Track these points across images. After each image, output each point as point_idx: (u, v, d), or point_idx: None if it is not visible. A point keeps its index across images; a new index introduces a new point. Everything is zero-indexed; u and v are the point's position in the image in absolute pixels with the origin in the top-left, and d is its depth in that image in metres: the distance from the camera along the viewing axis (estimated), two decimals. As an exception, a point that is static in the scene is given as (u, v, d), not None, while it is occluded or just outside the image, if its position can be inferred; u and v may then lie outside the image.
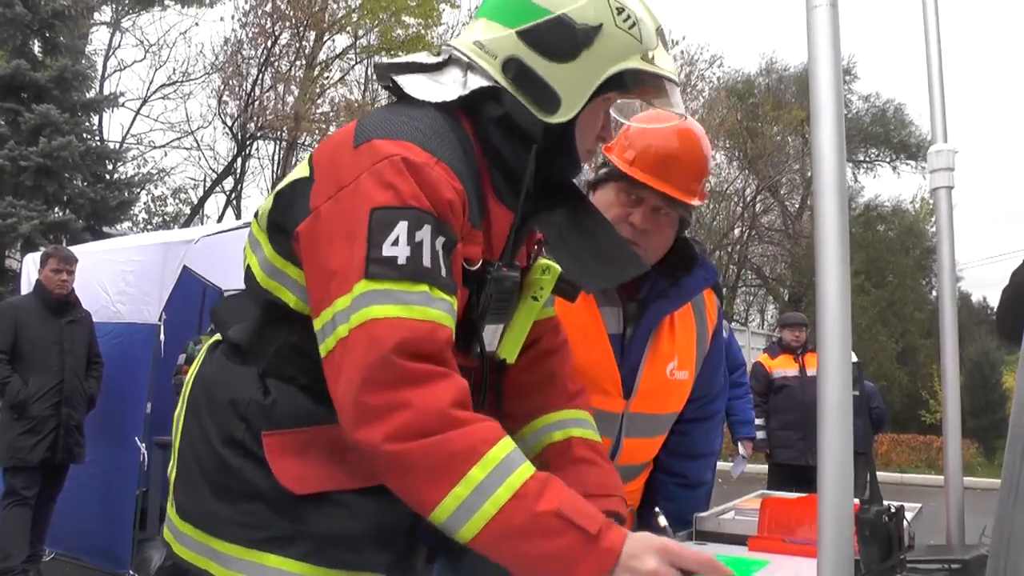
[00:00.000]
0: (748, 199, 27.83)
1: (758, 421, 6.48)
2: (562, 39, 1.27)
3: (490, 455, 1.11)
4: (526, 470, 1.13)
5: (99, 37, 19.93)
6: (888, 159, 30.80)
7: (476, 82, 1.31)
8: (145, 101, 20.37)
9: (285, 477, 1.26)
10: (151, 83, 20.68)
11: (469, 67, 1.33)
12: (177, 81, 20.68)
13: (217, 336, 1.43)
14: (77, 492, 5.70)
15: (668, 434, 1.96)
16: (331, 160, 1.25)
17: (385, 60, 1.40)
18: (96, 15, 19.24)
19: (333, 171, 1.23)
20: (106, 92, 16.51)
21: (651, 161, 1.74)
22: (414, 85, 1.33)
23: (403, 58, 1.39)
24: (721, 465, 6.48)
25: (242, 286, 1.44)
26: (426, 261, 1.15)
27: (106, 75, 19.47)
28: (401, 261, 1.14)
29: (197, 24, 30.22)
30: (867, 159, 30.93)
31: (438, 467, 1.10)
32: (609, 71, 1.28)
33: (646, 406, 1.83)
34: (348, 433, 1.13)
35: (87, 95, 12.57)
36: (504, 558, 1.13)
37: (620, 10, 1.29)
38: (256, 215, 1.40)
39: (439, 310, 1.15)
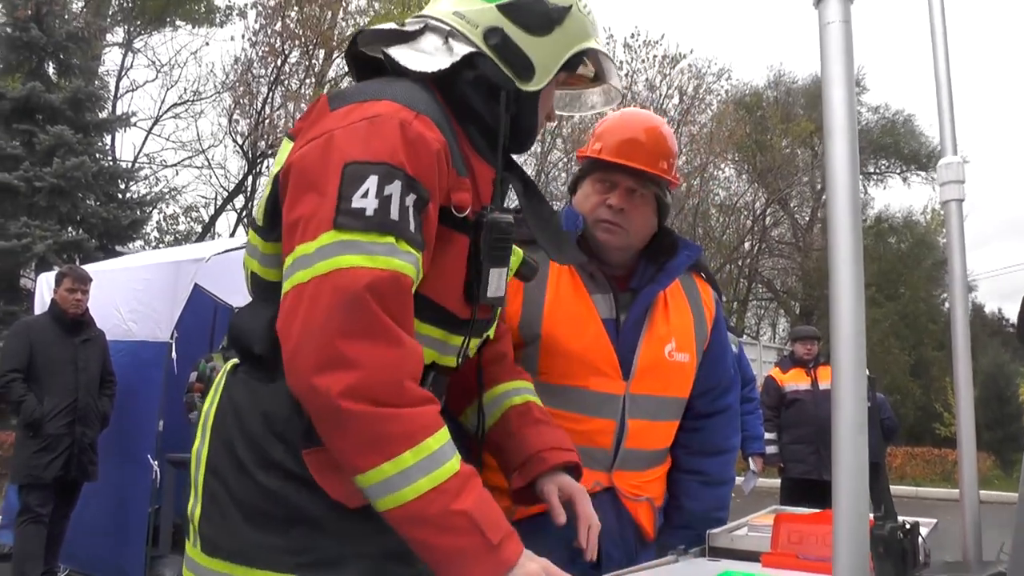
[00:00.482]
0: (758, 212, 27.79)
1: (770, 436, 6.44)
2: (538, 15, 1.40)
3: (425, 443, 1.15)
4: (452, 466, 1.17)
5: (111, 58, 20.12)
6: (898, 170, 30.73)
7: (462, 49, 1.38)
8: (157, 120, 20.52)
9: (336, 492, 1.25)
10: (163, 103, 20.75)
11: (450, 35, 1.40)
12: (188, 100, 20.84)
13: (233, 361, 1.41)
14: (90, 509, 5.71)
15: (683, 431, 1.99)
16: (308, 124, 1.31)
17: (369, 28, 1.47)
18: (108, 36, 19.44)
19: (309, 132, 1.28)
20: (118, 112, 16.64)
21: (616, 144, 1.88)
22: (405, 56, 1.39)
23: (383, 26, 1.44)
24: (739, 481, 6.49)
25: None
26: (393, 214, 1.19)
27: (118, 95, 19.62)
28: (369, 213, 1.17)
29: (208, 44, 30.61)
30: (877, 171, 30.86)
31: (376, 440, 1.14)
32: (575, 48, 1.44)
33: (647, 387, 1.87)
34: (300, 377, 1.15)
35: (100, 115, 12.68)
36: (408, 538, 1.18)
37: None
38: (252, 222, 1.42)
39: (404, 261, 1.19)
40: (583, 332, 1.81)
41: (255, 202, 1.49)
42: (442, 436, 1.18)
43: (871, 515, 1.13)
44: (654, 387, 1.88)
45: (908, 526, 1.34)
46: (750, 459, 5.73)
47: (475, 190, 1.38)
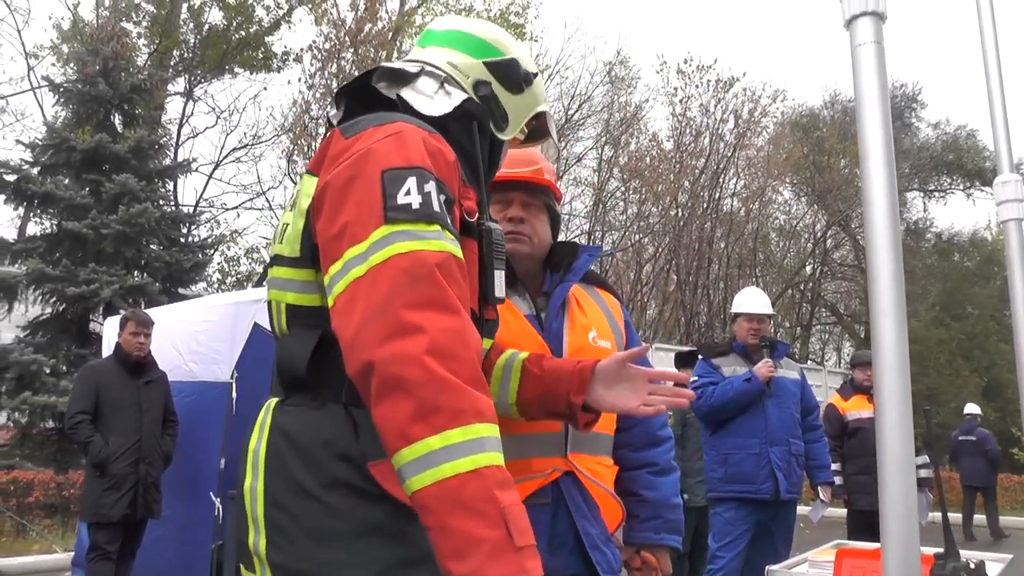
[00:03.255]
0: (818, 235, 27.33)
1: (835, 466, 6.27)
2: (516, 76, 1.64)
3: (476, 427, 1.16)
4: (496, 458, 1.16)
5: (173, 107, 20.83)
6: (961, 186, 30.01)
7: (458, 95, 1.55)
8: (217, 165, 21.14)
9: (405, 496, 1.25)
10: (223, 147, 21.41)
11: (445, 81, 1.57)
12: (248, 144, 21.43)
13: (275, 399, 1.45)
14: (155, 546, 5.80)
15: (622, 432, 2.11)
16: (327, 155, 1.39)
17: (387, 64, 1.59)
18: (170, 86, 20.13)
19: (332, 161, 1.36)
20: (180, 159, 17.17)
21: (506, 166, 1.98)
22: (414, 99, 1.53)
23: (391, 64, 1.58)
24: (801, 510, 6.30)
25: None
26: (435, 206, 1.29)
27: (180, 142, 20.27)
28: (415, 206, 1.26)
29: (266, 88, 31.35)
30: (938, 188, 30.17)
31: (432, 409, 1.14)
32: (537, 108, 1.69)
33: None
34: (365, 351, 1.18)
35: (162, 163, 13.07)
36: (432, 524, 1.14)
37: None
38: (275, 260, 1.48)
39: (453, 245, 1.29)
40: (510, 325, 1.89)
41: (275, 243, 1.57)
42: (493, 430, 1.19)
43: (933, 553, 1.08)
44: None
45: (973, 565, 1.27)
46: (819, 488, 5.58)
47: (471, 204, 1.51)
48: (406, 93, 1.53)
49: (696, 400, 4.84)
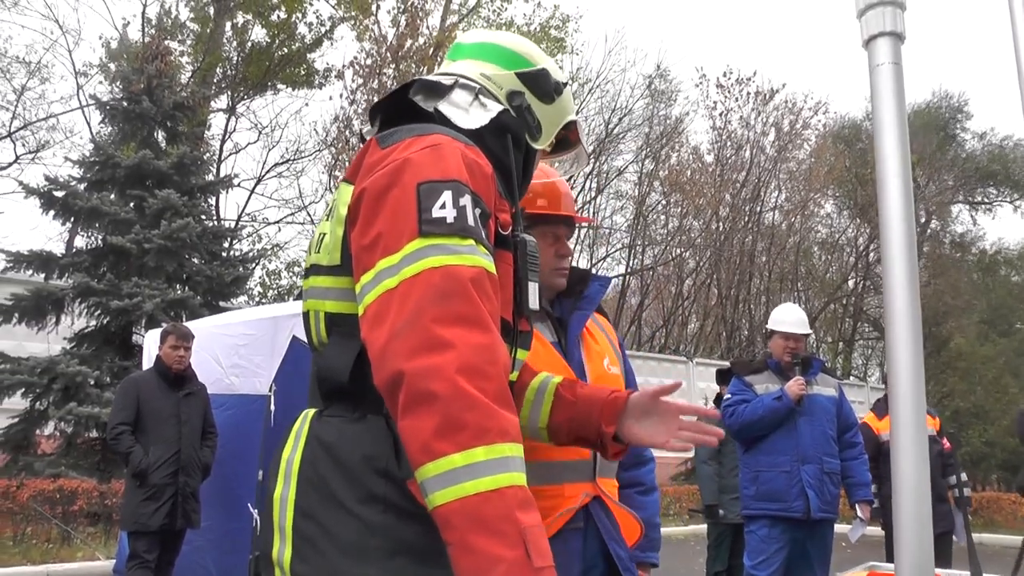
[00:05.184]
0: (861, 248, 26.96)
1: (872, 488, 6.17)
2: (547, 86, 1.67)
3: (500, 446, 1.14)
4: (518, 479, 1.15)
5: (216, 123, 21.20)
6: (1009, 198, 29.41)
7: (494, 107, 1.56)
8: (259, 180, 21.47)
9: None
10: (265, 162, 21.75)
11: (480, 93, 1.58)
12: (289, 159, 21.73)
13: (314, 409, 1.45)
14: (193, 556, 5.90)
15: None
16: (363, 164, 1.40)
17: (426, 77, 1.59)
18: (213, 103, 20.49)
19: (369, 169, 1.37)
20: (222, 174, 17.45)
21: (560, 199, 2.16)
22: (450, 112, 1.53)
23: (430, 77, 1.60)
24: (840, 528, 6.18)
25: None
26: (470, 220, 1.28)
27: (223, 158, 20.63)
28: (450, 220, 1.26)
29: (307, 104, 31.73)
30: (985, 199, 29.60)
31: (456, 425, 1.13)
32: (568, 117, 1.71)
33: None
34: (394, 362, 1.17)
35: (205, 178, 13.29)
36: (452, 540, 1.13)
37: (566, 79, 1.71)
38: (313, 269, 1.48)
39: (486, 259, 1.28)
40: (537, 353, 1.90)
41: (311, 253, 1.58)
42: (517, 449, 1.17)
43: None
44: None
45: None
46: (857, 507, 5.49)
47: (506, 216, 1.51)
48: (442, 106, 1.54)
49: (728, 418, 4.85)
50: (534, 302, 1.54)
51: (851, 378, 26.23)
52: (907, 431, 0.87)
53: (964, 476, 6.50)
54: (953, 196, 29.00)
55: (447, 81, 1.58)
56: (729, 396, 4.98)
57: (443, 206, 1.26)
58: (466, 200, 1.29)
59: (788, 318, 5.07)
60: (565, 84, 1.71)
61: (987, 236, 29.83)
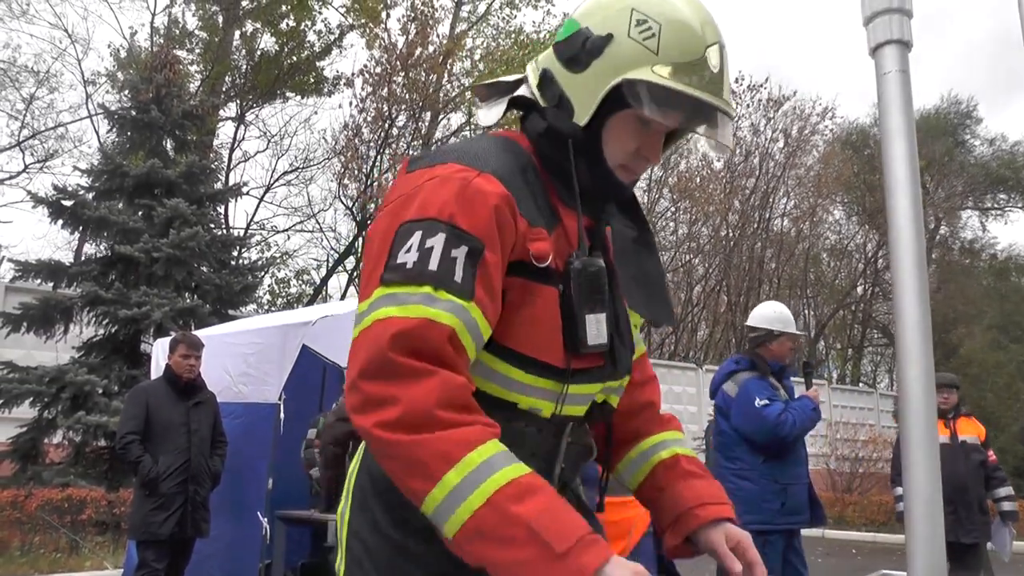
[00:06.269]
0: (870, 255, 26.90)
1: (898, 491, 6.11)
2: (576, 50, 1.34)
3: (467, 459, 1.14)
4: (503, 476, 1.14)
5: (225, 131, 21.31)
6: (1020, 204, 29.30)
7: (523, 92, 1.43)
8: (268, 188, 21.55)
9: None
10: (274, 171, 21.87)
11: (526, 82, 1.44)
12: (299, 167, 21.81)
13: None
14: (203, 565, 5.90)
15: None
16: (391, 186, 1.38)
17: (481, 84, 1.51)
18: (222, 112, 20.58)
19: (387, 196, 1.35)
20: (231, 182, 17.53)
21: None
22: (482, 113, 1.46)
23: (492, 80, 1.50)
24: (859, 536, 6.15)
25: None
26: (432, 265, 1.21)
27: (231, 166, 20.71)
28: (408, 266, 1.22)
29: (316, 112, 31.86)
30: (995, 205, 29.49)
31: (418, 465, 1.15)
32: (614, 80, 1.30)
33: None
34: (352, 419, 1.20)
35: (213, 187, 13.33)
36: (477, 562, 1.15)
37: (641, 21, 1.30)
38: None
39: (439, 309, 1.20)
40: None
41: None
42: (488, 449, 1.16)
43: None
44: None
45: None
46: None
47: (566, 241, 1.37)
48: (479, 112, 1.48)
49: (781, 428, 4.42)
50: (597, 336, 1.35)
51: (860, 385, 26.12)
52: (918, 438, 0.86)
53: (1011, 490, 6.37)
54: (962, 202, 28.91)
55: (520, 75, 1.47)
56: (768, 402, 4.50)
57: (408, 249, 1.23)
58: (435, 240, 1.23)
59: (789, 318, 4.88)
60: (606, 38, 1.31)
61: (999, 242, 29.66)
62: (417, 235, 1.23)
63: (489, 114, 1.44)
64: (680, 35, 1.30)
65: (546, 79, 1.39)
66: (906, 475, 0.88)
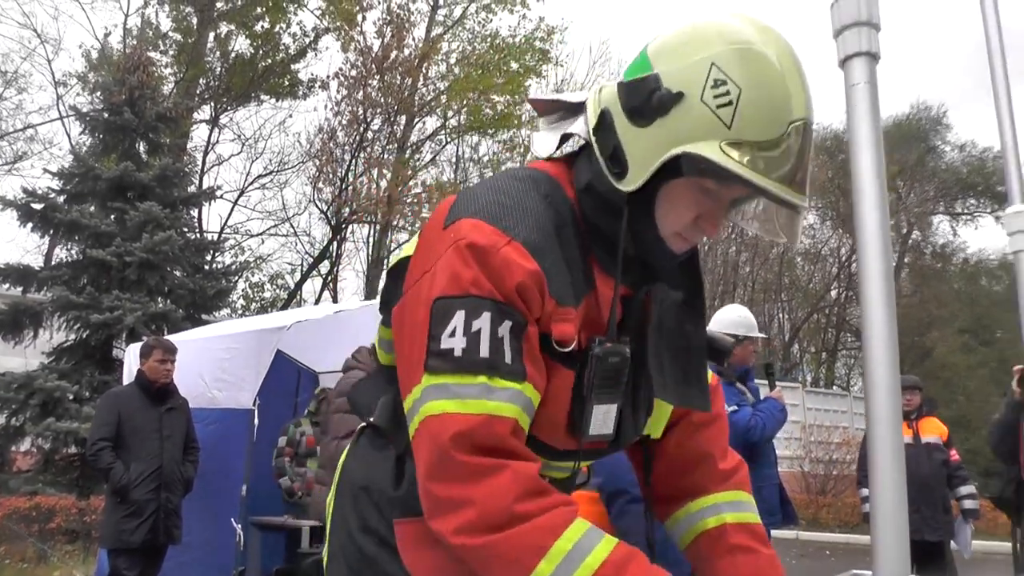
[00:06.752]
0: (844, 259, 27.15)
1: (865, 492, 6.18)
2: (641, 100, 1.16)
3: (556, 547, 1.10)
4: (598, 557, 1.11)
5: (199, 134, 21.12)
6: (989, 210, 29.71)
7: (579, 128, 1.26)
8: (242, 192, 21.38)
9: (415, 567, 1.27)
10: (248, 174, 21.66)
11: (585, 113, 1.27)
12: (273, 171, 21.66)
13: (363, 424, 1.47)
14: (176, 572, 5.84)
15: None
16: (426, 240, 1.25)
17: (539, 96, 1.38)
18: (196, 114, 20.42)
19: (424, 252, 1.23)
20: (205, 186, 17.38)
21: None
22: (536, 140, 1.33)
23: (552, 96, 1.36)
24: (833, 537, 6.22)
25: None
26: (483, 351, 1.13)
27: (205, 170, 20.53)
28: (457, 353, 1.13)
29: (291, 116, 31.68)
30: (965, 211, 29.89)
31: (507, 563, 1.11)
32: (674, 150, 1.13)
33: None
34: (429, 520, 1.16)
35: (187, 191, 13.24)
36: None
37: (719, 83, 1.11)
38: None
39: (498, 401, 1.13)
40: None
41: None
42: (575, 532, 1.12)
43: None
44: None
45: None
46: None
47: (596, 314, 1.27)
48: (539, 134, 1.35)
49: (753, 433, 4.50)
50: (602, 427, 1.29)
51: (834, 388, 26.38)
52: (883, 440, 0.88)
53: (972, 489, 6.48)
54: (934, 207, 29.29)
55: (581, 98, 1.31)
56: (737, 408, 4.56)
57: (452, 333, 1.13)
58: (481, 321, 1.13)
59: (751, 322, 4.90)
60: (676, 96, 1.13)
61: (969, 247, 30.11)
62: (460, 315, 1.13)
63: (543, 143, 1.30)
64: (760, 108, 1.11)
65: (605, 123, 1.21)
66: (872, 476, 0.89)
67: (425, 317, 1.16)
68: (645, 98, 1.15)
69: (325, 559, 1.41)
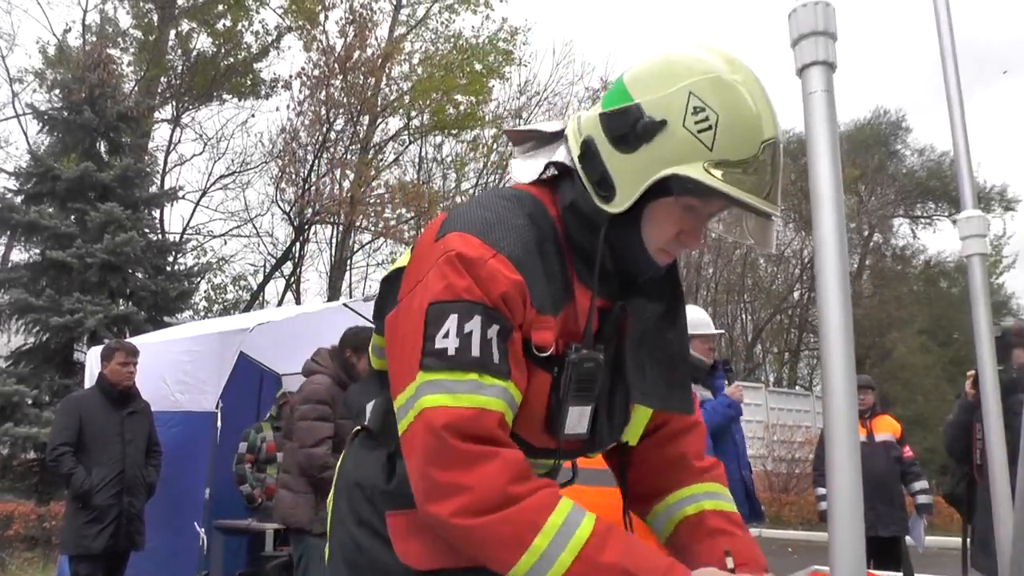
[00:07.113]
0: (806, 261, 27.46)
1: (821, 491, 6.28)
2: (625, 128, 1.27)
3: (549, 523, 1.20)
4: (584, 529, 1.21)
5: (160, 134, 20.81)
6: (947, 213, 30.24)
7: (562, 156, 1.38)
8: (205, 193, 21.11)
9: (406, 555, 1.36)
10: (210, 175, 21.38)
11: (565, 142, 1.39)
12: (236, 171, 21.43)
13: (359, 425, 1.56)
14: (139, 578, 5.75)
15: None
16: (419, 253, 1.36)
17: (514, 128, 1.49)
18: (157, 113, 20.14)
19: (417, 264, 1.34)
20: (167, 186, 17.16)
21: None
22: (516, 168, 1.44)
23: (527, 127, 1.47)
24: (796, 535, 6.31)
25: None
26: (475, 351, 1.23)
27: (167, 170, 20.25)
28: (451, 352, 1.23)
29: (253, 115, 31.35)
30: (924, 214, 30.40)
31: (504, 540, 1.20)
32: (662, 172, 1.24)
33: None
34: (420, 507, 1.24)
35: (149, 191, 13.07)
36: None
37: (698, 109, 1.23)
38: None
39: (488, 396, 1.23)
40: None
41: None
42: (563, 508, 1.22)
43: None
44: None
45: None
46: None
47: (573, 323, 1.36)
48: (513, 163, 1.48)
49: None
50: (577, 427, 1.38)
51: (797, 388, 26.71)
52: (840, 437, 0.91)
53: (925, 484, 6.62)
54: (894, 210, 29.76)
55: (559, 127, 1.43)
56: None
57: (446, 334, 1.23)
58: (473, 324, 1.23)
59: (705, 320, 4.91)
60: (659, 124, 1.25)
61: (928, 249, 30.58)
62: (453, 318, 1.23)
63: (525, 171, 1.42)
64: (736, 131, 1.24)
65: (589, 151, 1.32)
66: (830, 475, 0.92)
67: (420, 321, 1.26)
68: (630, 126, 1.27)
69: (327, 551, 1.50)
